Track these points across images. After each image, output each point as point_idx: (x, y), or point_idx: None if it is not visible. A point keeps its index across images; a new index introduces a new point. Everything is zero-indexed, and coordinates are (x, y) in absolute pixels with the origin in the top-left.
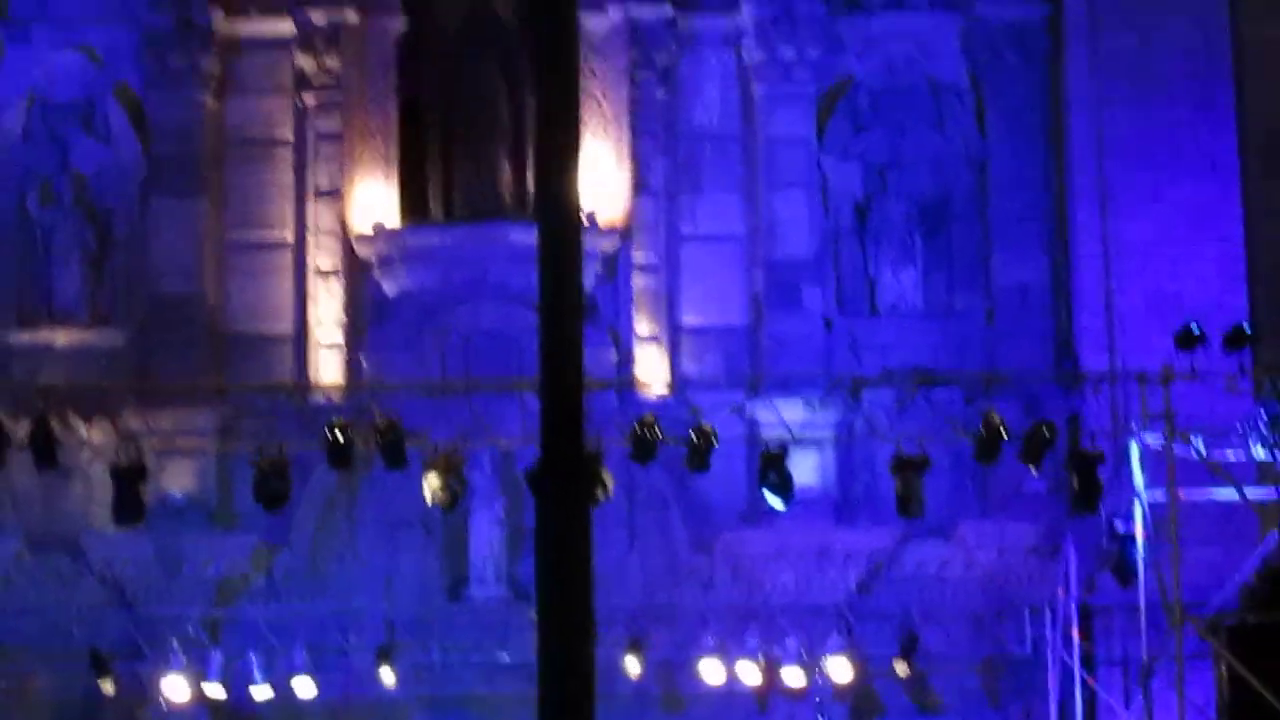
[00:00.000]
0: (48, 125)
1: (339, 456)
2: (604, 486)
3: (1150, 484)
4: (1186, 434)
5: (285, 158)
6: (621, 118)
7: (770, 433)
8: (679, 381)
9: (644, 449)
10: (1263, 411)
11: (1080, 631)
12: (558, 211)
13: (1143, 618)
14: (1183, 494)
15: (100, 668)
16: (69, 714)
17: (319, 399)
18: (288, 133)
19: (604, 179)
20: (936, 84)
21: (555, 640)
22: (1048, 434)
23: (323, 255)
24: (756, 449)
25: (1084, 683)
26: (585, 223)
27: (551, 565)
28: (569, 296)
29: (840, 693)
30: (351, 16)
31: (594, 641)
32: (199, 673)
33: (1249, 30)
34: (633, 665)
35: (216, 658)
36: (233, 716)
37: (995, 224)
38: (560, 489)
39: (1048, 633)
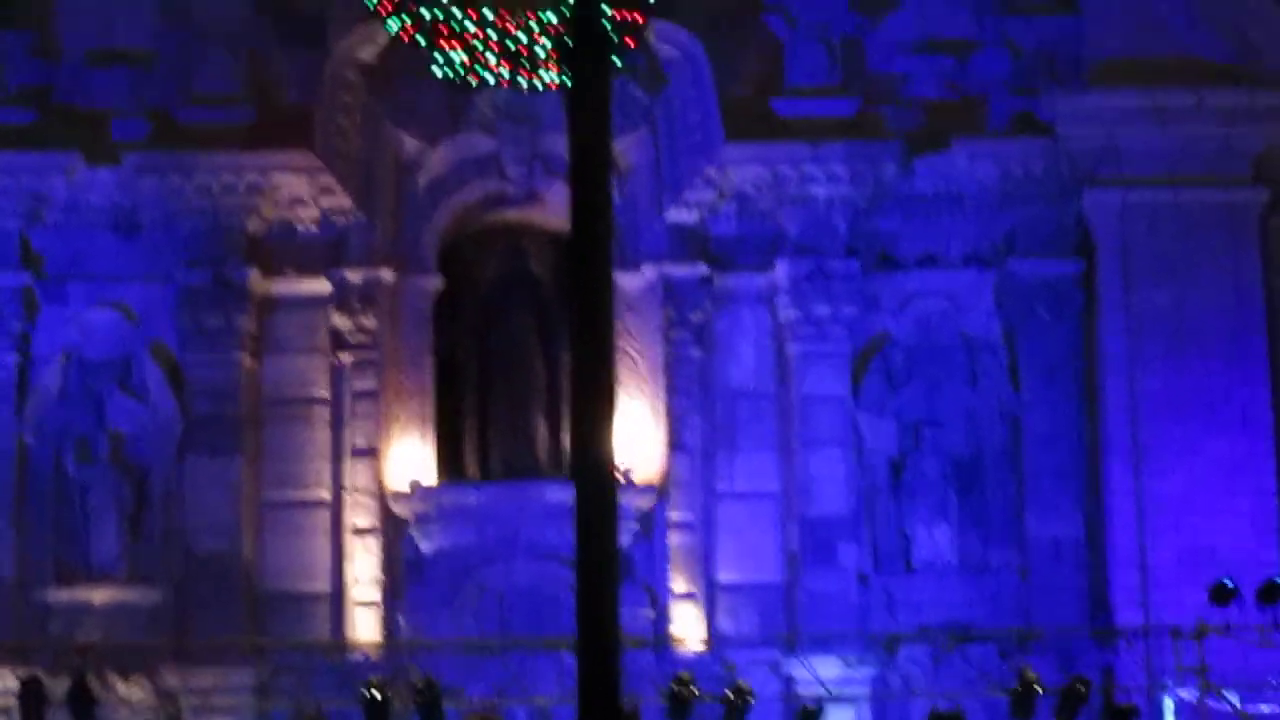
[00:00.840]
0: (84, 383)
1: (377, 715)
2: None
3: None
4: (1220, 688)
5: (322, 416)
6: (657, 375)
7: (807, 690)
8: (715, 639)
9: (681, 707)
10: None
11: None
12: (593, 470)
13: None
14: None
15: None
16: None
17: (356, 657)
18: (324, 391)
19: (639, 436)
20: (970, 340)
21: None
22: (1082, 689)
23: (359, 513)
24: (793, 706)
25: None
26: (621, 480)
27: None
28: (605, 555)
29: None
30: (387, 276)
31: None
32: None
33: None
34: None
35: None
36: None
37: (1029, 479)
38: None
39: None
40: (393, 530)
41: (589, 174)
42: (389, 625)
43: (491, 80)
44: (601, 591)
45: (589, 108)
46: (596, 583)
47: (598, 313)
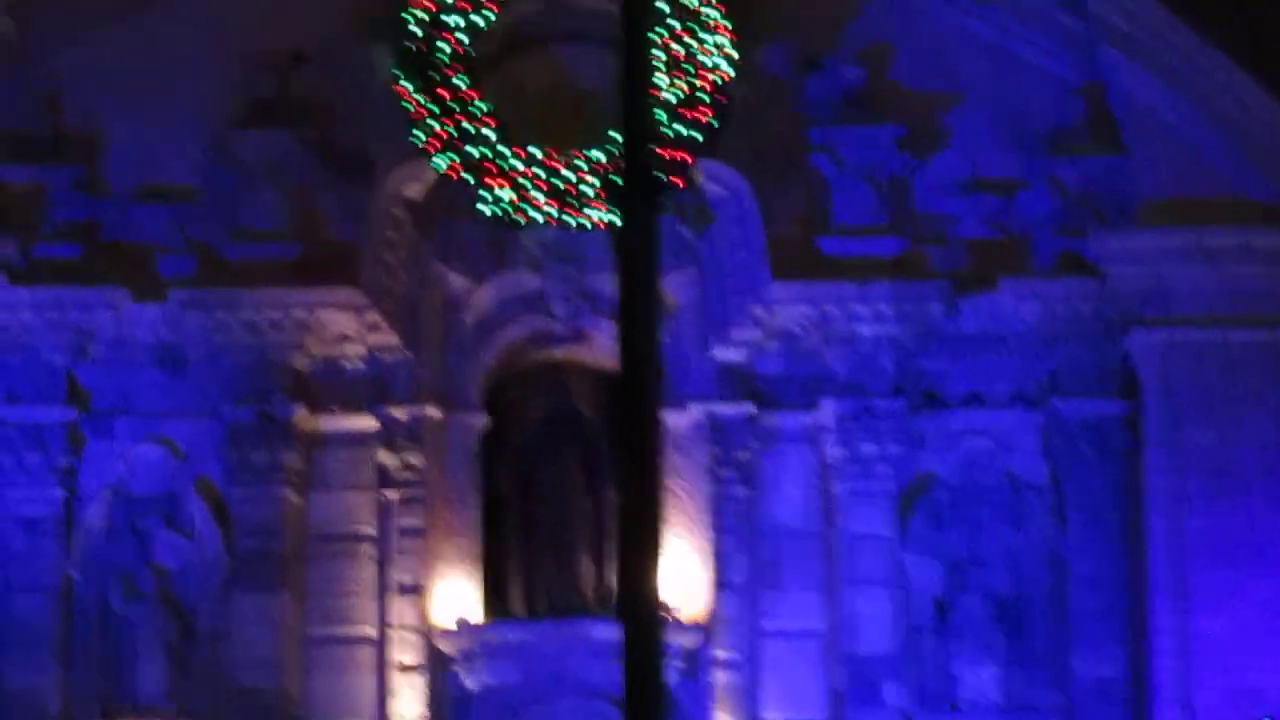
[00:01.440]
0: (130, 519)
1: None
2: None
3: None
4: None
5: (368, 552)
6: (702, 513)
7: None
8: None
9: None
10: None
11: None
12: (640, 608)
13: None
14: None
15: None
16: None
17: None
18: (370, 528)
19: (685, 574)
20: (1016, 479)
21: None
22: None
23: (404, 650)
24: None
25: None
26: (666, 618)
27: None
28: (652, 694)
29: None
30: (434, 413)
31: None
32: None
33: None
34: None
35: None
36: None
37: (1074, 618)
38: None
39: None
40: (438, 668)
41: (637, 314)
42: None
43: (539, 218)
44: None
45: (637, 248)
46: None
47: (645, 452)
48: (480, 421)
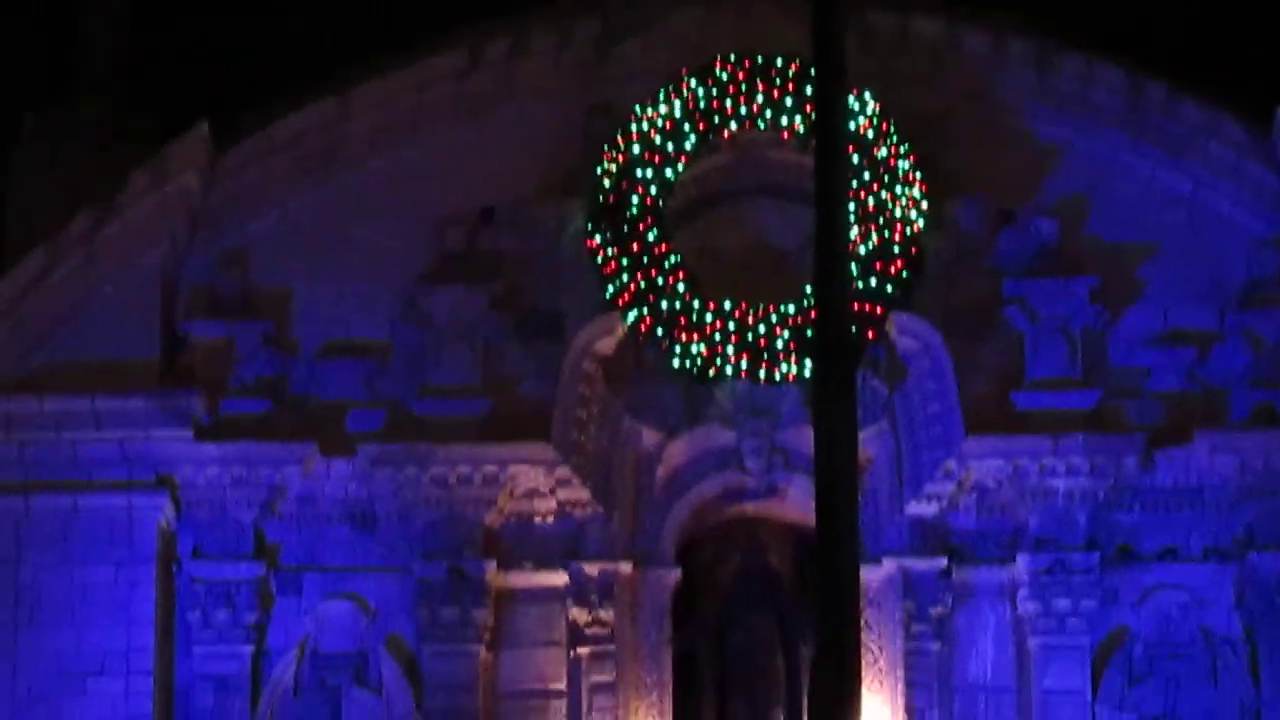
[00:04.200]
0: (319, 676)
1: None
2: None
3: None
4: None
5: (558, 709)
6: (896, 669)
7: None
8: None
9: None
10: None
11: None
12: None
13: None
14: None
15: None
16: None
17: None
18: (561, 684)
19: None
20: (1211, 635)
21: None
22: None
23: None
24: None
25: None
26: None
27: None
28: None
29: None
30: (625, 568)
31: None
32: None
33: None
34: None
35: None
36: None
37: None
38: None
39: None
40: None
41: (835, 470)
42: None
43: (730, 373)
44: None
45: (834, 403)
46: None
47: (844, 606)
48: (673, 577)
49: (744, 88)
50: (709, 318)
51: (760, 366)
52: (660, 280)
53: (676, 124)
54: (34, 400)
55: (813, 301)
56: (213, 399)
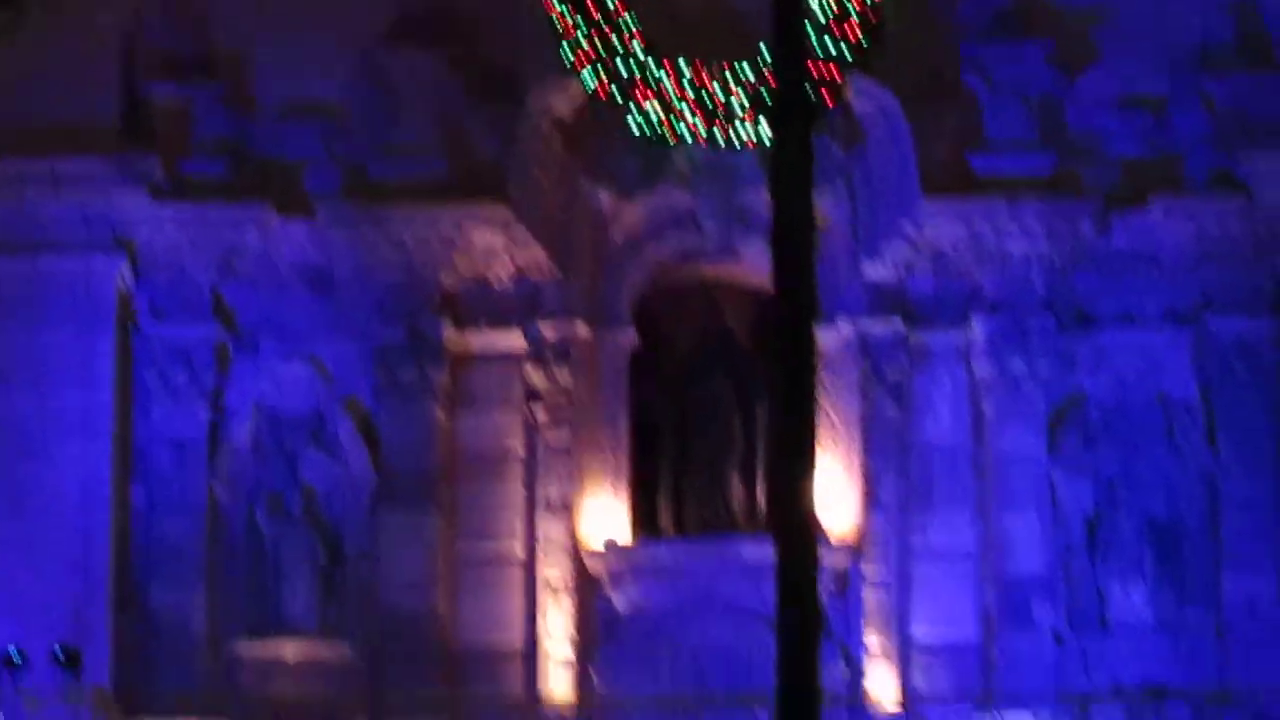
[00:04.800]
0: (277, 438)
1: None
2: None
3: None
4: None
5: (516, 471)
6: (852, 432)
7: None
8: (910, 697)
9: None
10: None
11: None
12: (795, 527)
13: None
14: None
15: None
16: None
17: (550, 714)
18: (518, 446)
19: (835, 493)
20: (1167, 399)
21: None
22: None
23: (553, 570)
24: None
25: None
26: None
27: None
28: (806, 613)
29: None
30: (583, 331)
31: None
32: None
33: None
34: None
35: None
36: None
37: (1226, 538)
38: None
39: None
40: (587, 587)
41: (791, 231)
42: (583, 683)
43: (688, 136)
44: (802, 650)
45: (791, 165)
46: (797, 641)
47: (799, 368)
48: (629, 339)
49: None
50: (665, 80)
51: (717, 128)
52: (617, 42)
53: None
54: None
55: (770, 63)
56: (171, 161)
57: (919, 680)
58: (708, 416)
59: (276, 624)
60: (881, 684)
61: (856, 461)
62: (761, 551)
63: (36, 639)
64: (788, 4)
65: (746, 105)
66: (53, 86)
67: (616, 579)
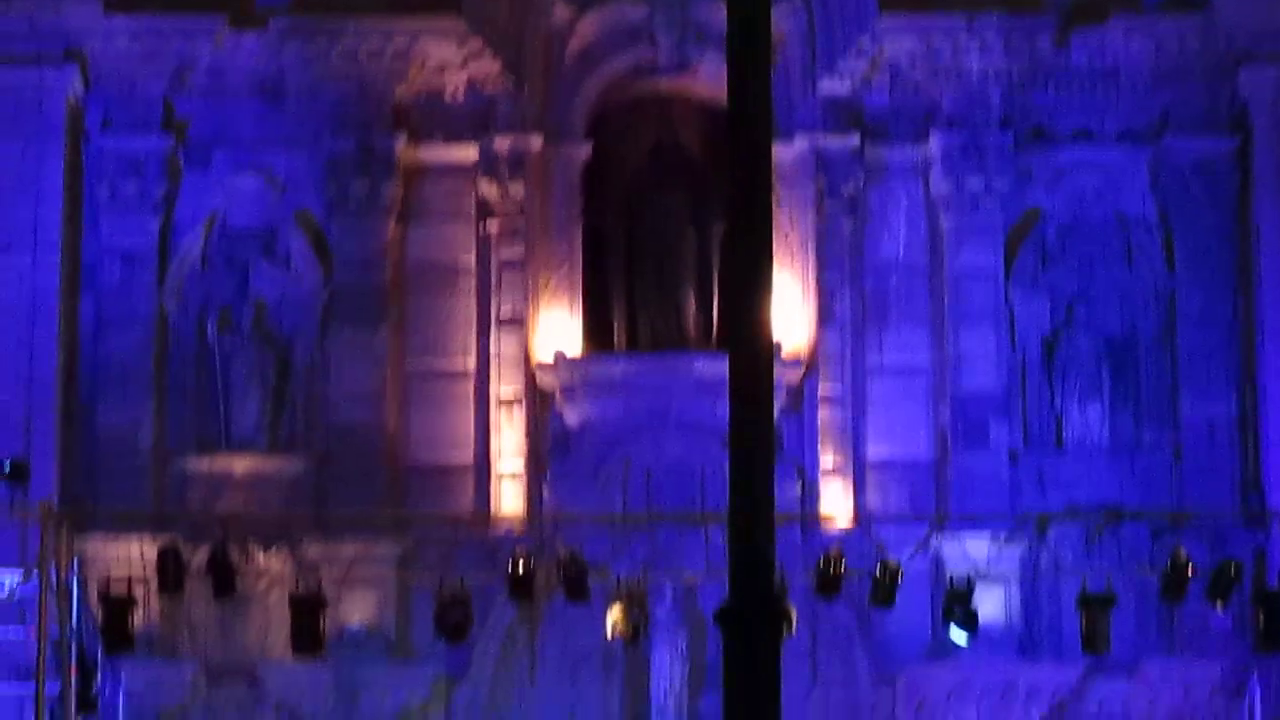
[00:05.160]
0: (227, 251)
1: (520, 589)
2: (788, 621)
3: None
4: None
5: (467, 286)
6: (807, 248)
7: (955, 568)
8: (863, 516)
9: (829, 584)
10: None
11: None
12: (749, 341)
13: None
14: None
15: None
16: None
17: (500, 531)
18: (470, 260)
19: (789, 309)
20: (1125, 218)
21: None
22: (1234, 572)
23: (504, 385)
24: (941, 584)
25: None
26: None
27: (741, 704)
28: (759, 428)
29: None
30: (535, 143)
31: None
32: None
33: None
34: None
35: None
36: None
37: (1183, 359)
38: (750, 627)
39: None
40: (539, 402)
41: (747, 43)
42: (533, 499)
43: None
44: (755, 467)
45: None
46: (750, 458)
47: (754, 183)
48: (583, 152)
49: None
50: None
51: None
52: None
53: None
54: None
55: None
56: None
57: (873, 498)
58: (661, 231)
59: (225, 439)
60: (835, 502)
61: (811, 278)
62: (715, 367)
63: None
64: None
65: None
66: None
67: (568, 394)
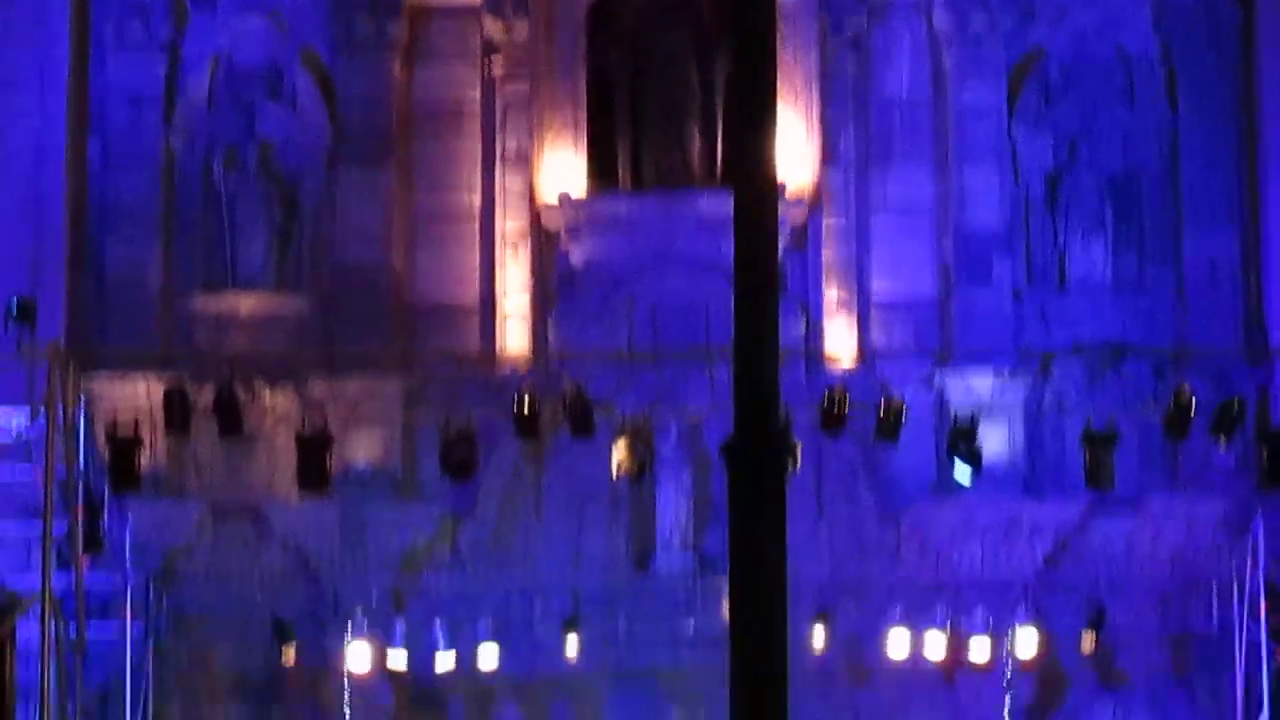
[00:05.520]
0: (233, 91)
1: (526, 426)
2: (793, 457)
3: None
4: None
5: (472, 126)
6: (811, 86)
7: (959, 405)
8: (867, 353)
9: (833, 420)
10: None
11: (1268, 607)
12: (754, 178)
13: None
14: None
15: (283, 636)
16: (251, 682)
17: (505, 369)
18: (475, 101)
19: (793, 148)
20: (1127, 56)
21: (749, 615)
22: (1237, 409)
23: (510, 224)
24: (945, 421)
25: (1271, 659)
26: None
27: (746, 539)
28: (764, 264)
29: (1026, 666)
30: None
31: (787, 616)
32: (383, 643)
33: None
34: (819, 638)
35: (400, 628)
36: (415, 688)
37: (1186, 198)
38: (756, 463)
39: (1235, 609)
40: (544, 241)
41: None
42: (539, 337)
43: None
44: (760, 304)
45: None
46: (755, 295)
47: (759, 21)
48: None
49: None
50: None
51: None
52: None
53: None
54: None
55: None
56: None
57: (877, 335)
58: (666, 70)
59: (231, 278)
60: (839, 339)
61: (815, 116)
62: (719, 205)
63: None
64: None
65: None
66: None
67: (573, 232)
